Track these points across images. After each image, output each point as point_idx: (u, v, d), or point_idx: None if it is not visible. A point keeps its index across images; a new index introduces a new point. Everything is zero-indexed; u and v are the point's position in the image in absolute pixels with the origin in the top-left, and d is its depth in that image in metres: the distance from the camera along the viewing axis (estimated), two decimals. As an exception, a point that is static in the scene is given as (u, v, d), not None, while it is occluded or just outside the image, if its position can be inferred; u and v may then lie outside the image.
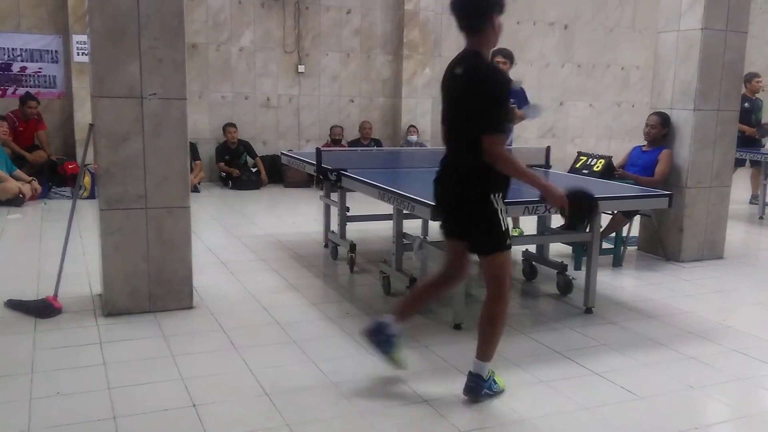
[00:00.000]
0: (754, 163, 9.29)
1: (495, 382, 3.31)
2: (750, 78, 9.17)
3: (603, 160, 5.98)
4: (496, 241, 3.15)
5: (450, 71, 3.19)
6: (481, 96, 3.01)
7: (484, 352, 3.23)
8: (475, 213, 3.14)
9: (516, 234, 6.86)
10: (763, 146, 9.61)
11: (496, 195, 3.11)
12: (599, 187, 5.04)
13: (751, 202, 9.47)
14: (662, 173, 5.97)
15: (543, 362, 3.78)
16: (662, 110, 6.14)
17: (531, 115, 6.86)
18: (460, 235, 3.29)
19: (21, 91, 9.23)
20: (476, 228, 3.16)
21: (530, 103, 6.81)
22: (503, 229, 3.14)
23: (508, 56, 6.56)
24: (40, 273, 5.14)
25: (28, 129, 9.04)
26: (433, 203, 3.52)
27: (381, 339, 3.44)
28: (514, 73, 6.49)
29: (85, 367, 3.56)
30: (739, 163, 8.73)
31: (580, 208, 3.31)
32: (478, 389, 3.24)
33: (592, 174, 5.84)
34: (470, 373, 3.26)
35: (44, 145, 9.20)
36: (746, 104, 8.91)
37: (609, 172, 5.93)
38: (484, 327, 3.22)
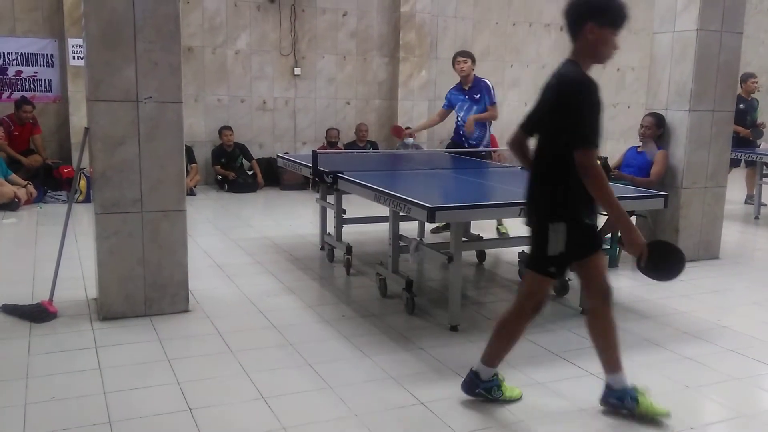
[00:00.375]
0: (750, 164, 9.31)
1: (499, 389, 3.28)
2: (745, 78, 9.20)
3: (598, 161, 5.97)
4: (540, 260, 3.07)
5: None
6: (567, 108, 2.88)
7: (489, 357, 3.26)
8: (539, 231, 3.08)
9: (503, 231, 6.93)
10: (758, 146, 9.64)
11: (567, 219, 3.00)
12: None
13: (746, 202, 9.49)
14: (658, 174, 5.98)
15: (539, 363, 3.78)
16: (657, 111, 6.16)
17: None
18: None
19: (17, 95, 9.23)
20: (534, 243, 3.11)
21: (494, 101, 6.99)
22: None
23: (469, 55, 6.96)
24: (36, 277, 5.13)
25: (23, 133, 9.02)
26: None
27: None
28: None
29: (80, 371, 3.55)
30: (734, 163, 8.77)
31: (659, 261, 3.12)
32: (473, 386, 3.27)
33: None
34: (471, 369, 3.31)
35: (40, 149, 9.18)
36: (741, 105, 8.93)
37: (604, 172, 5.93)
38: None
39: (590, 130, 2.85)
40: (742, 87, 8.88)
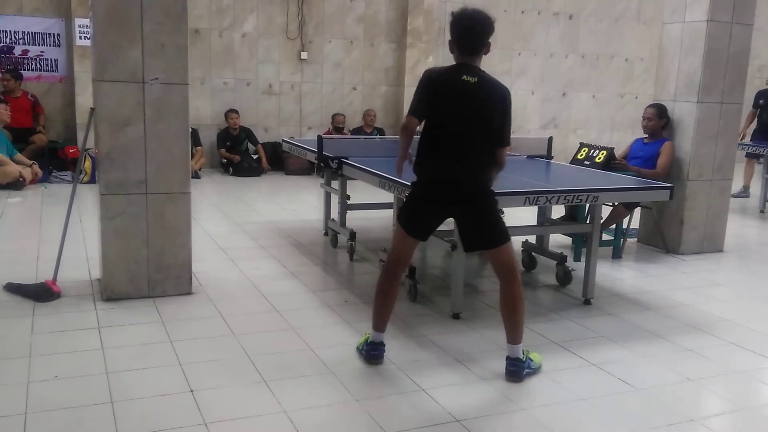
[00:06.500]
0: (750, 155, 9.28)
1: (531, 360, 3.48)
2: None
3: (605, 152, 5.96)
4: (506, 232, 3.44)
5: (456, 78, 3.32)
6: (504, 111, 3.36)
7: (516, 334, 3.41)
8: (491, 209, 3.45)
9: None
10: None
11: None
12: (601, 179, 5.03)
13: (737, 195, 9.41)
14: (664, 165, 5.95)
15: (541, 353, 3.78)
16: (665, 102, 6.12)
17: None
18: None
19: (25, 75, 9.20)
20: (492, 223, 3.43)
21: None
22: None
23: None
24: (40, 257, 5.15)
25: (15, 105, 8.81)
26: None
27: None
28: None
29: (83, 351, 3.56)
30: (754, 156, 8.83)
31: None
32: (520, 371, 3.39)
33: (594, 165, 5.82)
34: (508, 358, 3.42)
35: (41, 121, 9.15)
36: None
37: (611, 163, 5.91)
38: (510, 311, 3.41)
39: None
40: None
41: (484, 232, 3.42)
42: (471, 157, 3.36)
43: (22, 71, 9.23)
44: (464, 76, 3.31)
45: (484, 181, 3.41)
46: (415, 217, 3.48)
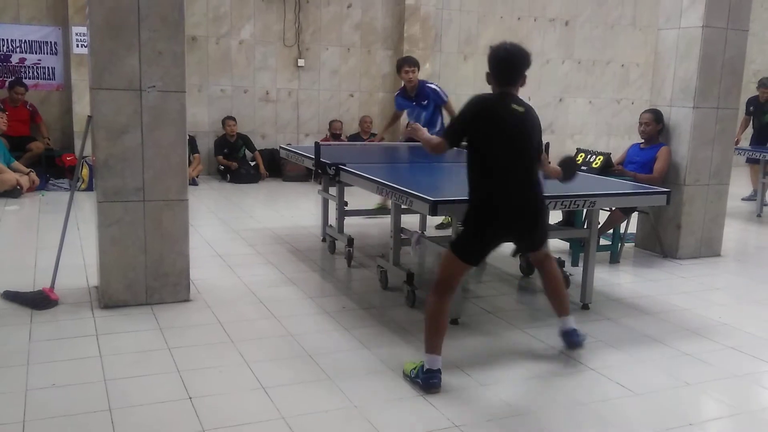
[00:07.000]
0: (752, 161, 9.32)
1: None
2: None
3: (602, 157, 5.98)
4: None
5: (507, 110, 3.45)
6: (540, 129, 3.63)
7: (567, 306, 3.89)
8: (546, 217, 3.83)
9: (445, 222, 7.04)
10: None
11: None
12: (598, 184, 5.04)
13: (747, 198, 9.51)
14: (661, 170, 5.97)
15: (539, 357, 3.78)
16: (661, 107, 6.14)
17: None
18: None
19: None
20: (546, 228, 3.83)
21: (446, 99, 7.11)
22: None
23: (416, 64, 7.05)
24: (37, 265, 5.14)
25: (15, 115, 8.89)
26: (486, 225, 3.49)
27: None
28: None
29: (81, 358, 3.56)
30: (752, 161, 8.91)
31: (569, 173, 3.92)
32: (582, 339, 3.85)
33: (591, 170, 5.83)
34: (568, 331, 3.84)
35: (43, 132, 9.18)
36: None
37: (607, 168, 5.93)
38: (560, 287, 3.88)
39: None
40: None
41: (539, 238, 3.72)
42: (531, 179, 3.52)
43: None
44: (513, 106, 3.46)
45: (543, 195, 3.61)
46: (485, 249, 3.51)
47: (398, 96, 7.28)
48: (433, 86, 7.13)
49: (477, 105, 3.45)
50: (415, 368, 3.38)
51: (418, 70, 7.02)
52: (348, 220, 5.93)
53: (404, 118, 7.78)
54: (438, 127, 6.97)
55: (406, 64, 6.98)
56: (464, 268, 3.48)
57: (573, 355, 3.82)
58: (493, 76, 3.51)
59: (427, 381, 3.30)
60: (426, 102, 6.98)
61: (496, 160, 3.40)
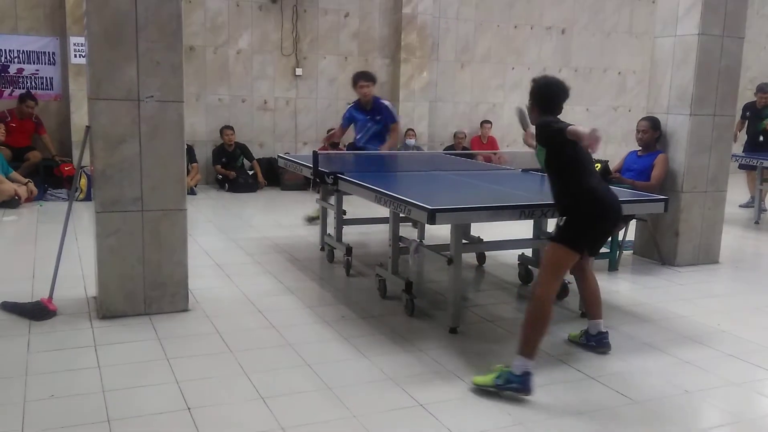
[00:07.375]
0: (748, 167, 9.32)
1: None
2: None
3: (599, 165, 5.99)
4: None
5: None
6: None
7: (602, 309, 4.09)
8: None
9: (312, 216, 7.17)
10: None
11: None
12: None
13: (744, 205, 9.51)
14: (658, 178, 5.98)
15: (539, 366, 3.76)
16: (658, 115, 6.16)
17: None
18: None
19: (19, 93, 9.21)
20: None
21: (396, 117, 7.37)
22: None
23: (372, 79, 7.18)
24: (36, 275, 5.13)
25: (21, 127, 8.95)
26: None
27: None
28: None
29: (79, 369, 3.55)
30: (749, 168, 8.92)
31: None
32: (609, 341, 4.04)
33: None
34: (597, 334, 4.02)
35: (50, 147, 9.20)
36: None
37: (605, 176, 5.94)
38: (597, 290, 4.10)
39: None
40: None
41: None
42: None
43: (17, 90, 9.25)
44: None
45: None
46: (602, 239, 3.90)
47: (352, 108, 7.31)
48: (386, 103, 7.26)
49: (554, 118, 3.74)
50: (498, 376, 3.40)
51: (374, 84, 7.14)
52: (346, 229, 5.93)
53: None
54: (384, 142, 7.12)
55: (362, 78, 7.10)
56: (575, 257, 3.65)
57: (572, 363, 3.82)
58: (538, 106, 3.83)
59: (526, 383, 3.36)
60: (379, 117, 7.10)
61: (586, 163, 3.72)
